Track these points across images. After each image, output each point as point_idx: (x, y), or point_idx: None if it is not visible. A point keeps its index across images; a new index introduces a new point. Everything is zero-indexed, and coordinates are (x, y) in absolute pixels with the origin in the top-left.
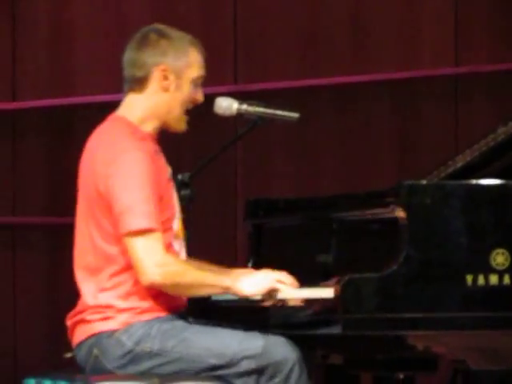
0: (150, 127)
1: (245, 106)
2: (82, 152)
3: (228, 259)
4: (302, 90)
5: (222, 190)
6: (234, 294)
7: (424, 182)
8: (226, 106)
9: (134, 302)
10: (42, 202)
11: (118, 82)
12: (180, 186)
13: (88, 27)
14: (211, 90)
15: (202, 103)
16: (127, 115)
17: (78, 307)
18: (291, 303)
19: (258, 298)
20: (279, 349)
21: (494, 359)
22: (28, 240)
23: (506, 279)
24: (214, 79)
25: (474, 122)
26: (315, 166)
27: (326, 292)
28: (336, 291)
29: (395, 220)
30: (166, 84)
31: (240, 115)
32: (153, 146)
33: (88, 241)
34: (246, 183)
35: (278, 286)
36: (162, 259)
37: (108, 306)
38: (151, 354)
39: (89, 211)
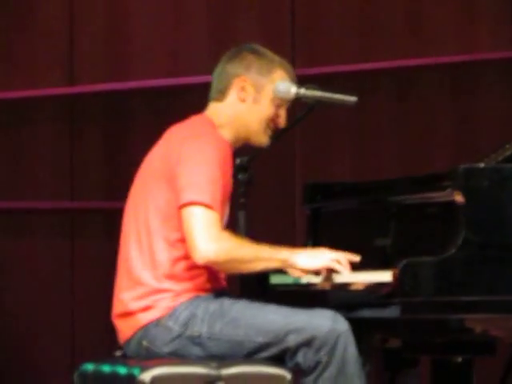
0: (227, 134)
1: (303, 90)
2: (138, 135)
3: (286, 243)
4: (361, 73)
5: (281, 175)
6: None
7: (481, 165)
8: (285, 89)
9: (172, 285)
10: (100, 187)
11: (172, 67)
12: (238, 169)
13: (144, 12)
14: None
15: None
16: (212, 117)
17: (118, 293)
18: (349, 287)
19: (315, 281)
20: (323, 321)
21: None
22: (86, 225)
23: None
24: None
25: None
26: (374, 151)
27: (385, 276)
28: (394, 275)
29: (453, 203)
30: (243, 95)
31: (298, 99)
32: (229, 149)
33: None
34: (304, 167)
35: (336, 265)
36: (216, 234)
37: (145, 284)
38: (201, 338)
39: (145, 191)
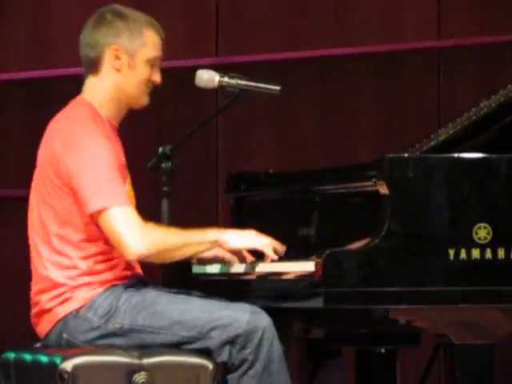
0: (109, 112)
1: (226, 79)
2: None
3: None
4: (284, 62)
5: (204, 164)
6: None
7: (406, 155)
8: (208, 78)
9: (88, 279)
10: (21, 175)
11: None
12: (161, 158)
13: (69, 1)
14: (192, 62)
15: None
16: (89, 99)
17: (34, 297)
18: (273, 276)
19: (239, 270)
20: (247, 317)
21: (476, 333)
22: (7, 213)
23: (488, 253)
24: (195, 52)
25: (456, 96)
26: (298, 140)
27: (308, 265)
28: (317, 264)
29: (377, 193)
30: (118, 64)
31: (221, 88)
32: (111, 132)
33: (37, 219)
34: (227, 157)
35: (266, 249)
36: (141, 230)
37: (62, 285)
38: (123, 330)
39: (40, 191)
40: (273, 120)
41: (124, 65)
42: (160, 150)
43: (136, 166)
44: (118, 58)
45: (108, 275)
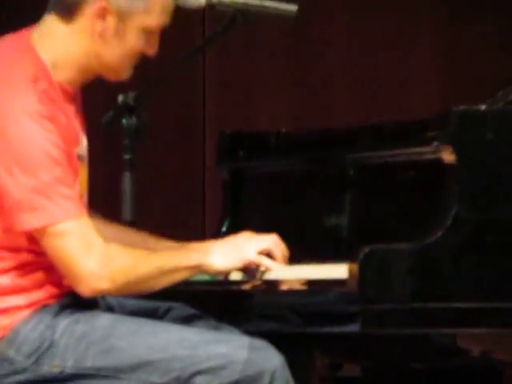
0: (66, 75)
1: None
2: None
3: (193, 220)
4: None
5: (185, 121)
6: (205, 272)
7: (483, 107)
8: None
9: (5, 300)
10: None
11: None
12: (122, 111)
13: None
14: None
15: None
16: (41, 48)
17: None
18: (284, 287)
19: (237, 277)
20: (246, 355)
21: None
22: None
23: None
24: None
25: None
26: (321, 97)
27: (337, 271)
28: (351, 270)
29: (440, 164)
30: (100, 26)
31: (211, 7)
32: (62, 103)
33: None
34: (219, 111)
35: (263, 261)
36: (101, 254)
37: None
38: (63, 376)
39: None
40: (286, 60)
41: (108, 30)
42: (119, 98)
43: (87, 122)
44: (102, 17)
45: (33, 294)
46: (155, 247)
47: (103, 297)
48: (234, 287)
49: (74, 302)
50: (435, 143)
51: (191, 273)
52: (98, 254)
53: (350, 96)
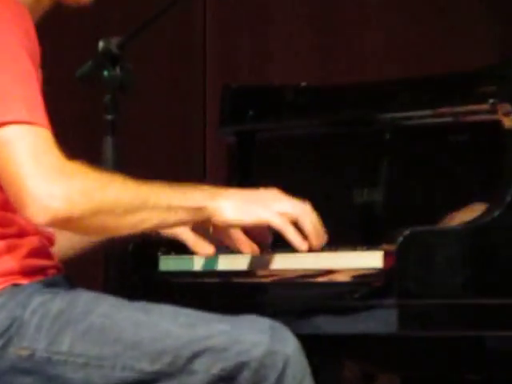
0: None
1: None
2: None
3: None
4: None
5: (180, 73)
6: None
7: None
8: None
9: None
10: None
11: None
12: (102, 61)
13: None
14: None
15: None
16: None
17: None
18: (304, 278)
19: (242, 264)
20: (258, 336)
21: None
22: None
23: None
24: None
25: None
26: (348, 37)
27: (370, 258)
28: (387, 257)
29: (497, 127)
30: None
31: None
32: (28, 25)
33: None
34: (222, 61)
35: (288, 229)
36: (54, 168)
37: None
38: (34, 360)
39: None
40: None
41: None
42: (100, 45)
43: (57, 76)
44: None
45: (5, 264)
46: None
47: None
48: (238, 279)
49: (51, 281)
50: (491, 100)
51: (189, 216)
52: (50, 167)
53: (388, 46)
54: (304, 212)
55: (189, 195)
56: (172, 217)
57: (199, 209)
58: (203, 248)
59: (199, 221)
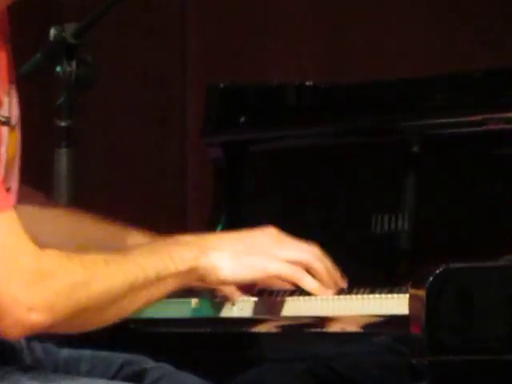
0: None
1: None
2: None
3: (165, 217)
4: None
5: (154, 68)
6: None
7: None
8: None
9: None
10: None
11: None
12: (54, 52)
13: None
14: None
15: None
16: None
17: None
18: (316, 326)
19: (247, 310)
20: None
21: None
22: None
23: None
24: None
25: None
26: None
27: (391, 302)
28: (415, 300)
29: None
30: None
31: None
32: None
33: None
34: (206, 53)
35: (304, 277)
36: (30, 270)
37: None
38: None
39: None
40: None
41: None
42: (51, 33)
43: None
44: None
45: None
46: (126, 245)
47: (29, 339)
48: (239, 328)
49: None
50: None
51: (178, 282)
52: (26, 269)
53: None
54: (314, 256)
55: (176, 256)
56: (161, 289)
57: (190, 271)
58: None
59: (189, 284)
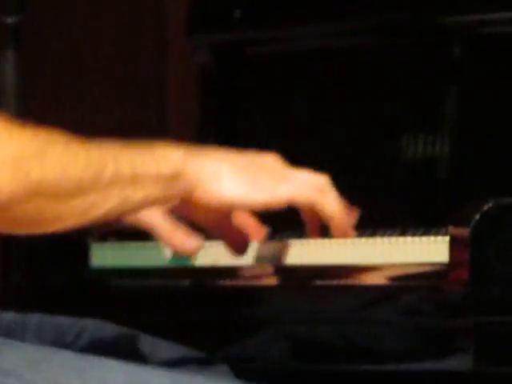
0: None
1: None
2: None
3: (145, 136)
4: None
5: None
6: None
7: None
8: None
9: None
10: None
11: None
12: None
13: None
14: None
15: None
16: None
17: None
18: (322, 280)
19: (242, 260)
20: None
21: None
22: None
23: None
24: None
25: None
26: None
27: (426, 247)
28: (456, 245)
29: None
30: None
31: None
32: None
33: None
34: None
35: (325, 197)
36: None
37: None
38: None
39: None
40: None
41: None
42: None
43: None
44: None
45: None
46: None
47: None
48: (230, 281)
49: None
50: None
51: (166, 190)
52: None
53: None
54: (321, 188)
55: (158, 154)
56: (138, 192)
57: (176, 176)
58: (184, 241)
59: (174, 198)
